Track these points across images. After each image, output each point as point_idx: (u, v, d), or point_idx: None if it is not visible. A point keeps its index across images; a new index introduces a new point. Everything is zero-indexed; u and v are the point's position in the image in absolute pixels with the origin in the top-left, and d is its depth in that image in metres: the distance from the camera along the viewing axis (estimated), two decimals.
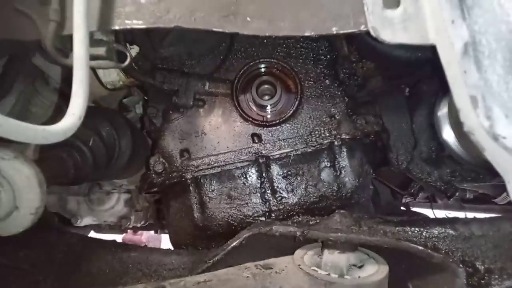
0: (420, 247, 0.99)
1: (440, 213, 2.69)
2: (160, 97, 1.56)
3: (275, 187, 1.46)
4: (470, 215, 2.47)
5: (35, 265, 1.34)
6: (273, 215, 1.46)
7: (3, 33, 1.08)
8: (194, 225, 1.48)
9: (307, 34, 0.97)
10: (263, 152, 1.45)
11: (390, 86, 1.54)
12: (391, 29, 0.88)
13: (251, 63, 1.49)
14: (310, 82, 1.49)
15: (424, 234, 1.05)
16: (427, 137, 1.54)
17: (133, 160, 1.73)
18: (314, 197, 1.45)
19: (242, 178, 1.48)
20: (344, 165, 1.45)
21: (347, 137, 1.43)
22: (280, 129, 1.48)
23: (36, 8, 1.05)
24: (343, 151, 1.45)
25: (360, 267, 1.01)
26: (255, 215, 1.46)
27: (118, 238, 3.10)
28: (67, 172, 1.35)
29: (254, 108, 1.49)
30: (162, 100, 1.56)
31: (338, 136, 1.44)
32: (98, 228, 2.96)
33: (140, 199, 2.67)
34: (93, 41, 1.14)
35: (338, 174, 1.45)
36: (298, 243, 1.12)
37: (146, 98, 1.87)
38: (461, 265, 0.98)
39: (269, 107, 1.47)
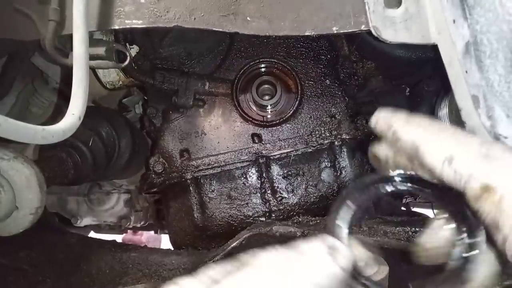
0: None
1: None
2: (159, 97, 1.56)
3: (275, 187, 1.46)
4: None
5: (35, 265, 1.34)
6: (273, 215, 1.45)
7: (3, 32, 1.08)
8: (194, 226, 1.48)
9: (307, 33, 0.97)
10: (263, 152, 1.44)
11: (390, 86, 1.54)
12: (393, 29, 0.88)
13: (251, 63, 1.48)
14: (310, 82, 1.49)
15: None
16: None
17: (133, 160, 1.72)
18: (314, 197, 1.45)
19: (242, 178, 1.47)
20: (344, 165, 1.45)
21: (347, 137, 1.43)
22: (280, 129, 1.48)
23: (36, 8, 1.04)
24: (344, 151, 1.45)
25: None
26: (255, 215, 1.46)
27: (118, 238, 3.10)
28: (67, 172, 1.35)
29: (254, 108, 1.48)
30: (161, 100, 1.55)
31: (339, 136, 1.43)
32: (98, 228, 2.96)
33: (140, 199, 2.67)
34: (92, 41, 1.13)
35: (338, 174, 1.45)
36: None
37: (145, 98, 1.87)
38: None
39: (269, 107, 1.47)
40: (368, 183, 0.54)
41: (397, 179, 0.54)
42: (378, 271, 0.99)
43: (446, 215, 0.50)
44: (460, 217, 0.47)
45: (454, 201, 0.48)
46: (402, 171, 0.54)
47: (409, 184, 0.53)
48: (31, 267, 1.33)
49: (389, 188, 0.54)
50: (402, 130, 0.54)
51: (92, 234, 2.94)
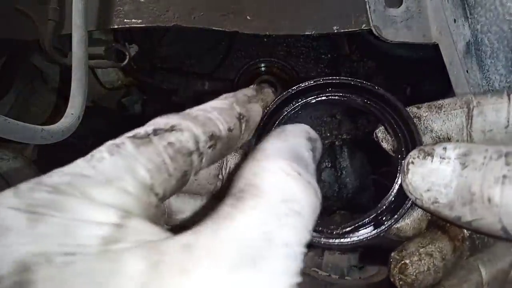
0: None
1: None
2: (159, 97, 1.55)
3: None
4: None
5: None
6: None
7: (3, 32, 1.08)
8: None
9: (307, 33, 0.96)
10: None
11: (391, 86, 1.53)
12: (394, 28, 0.87)
13: (251, 62, 1.48)
14: None
15: None
16: None
17: None
18: None
19: None
20: (345, 166, 1.44)
21: (348, 137, 1.43)
22: None
23: (36, 8, 1.04)
24: (344, 151, 1.45)
25: (361, 268, 1.01)
26: None
27: None
28: None
29: None
30: (161, 100, 1.55)
31: (339, 136, 1.43)
32: None
33: None
34: (92, 40, 1.13)
35: (339, 174, 1.44)
36: None
37: (145, 97, 1.86)
38: None
39: None
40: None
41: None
42: (379, 272, 0.99)
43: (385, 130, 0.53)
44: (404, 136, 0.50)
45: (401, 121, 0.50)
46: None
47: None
48: None
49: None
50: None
51: None
